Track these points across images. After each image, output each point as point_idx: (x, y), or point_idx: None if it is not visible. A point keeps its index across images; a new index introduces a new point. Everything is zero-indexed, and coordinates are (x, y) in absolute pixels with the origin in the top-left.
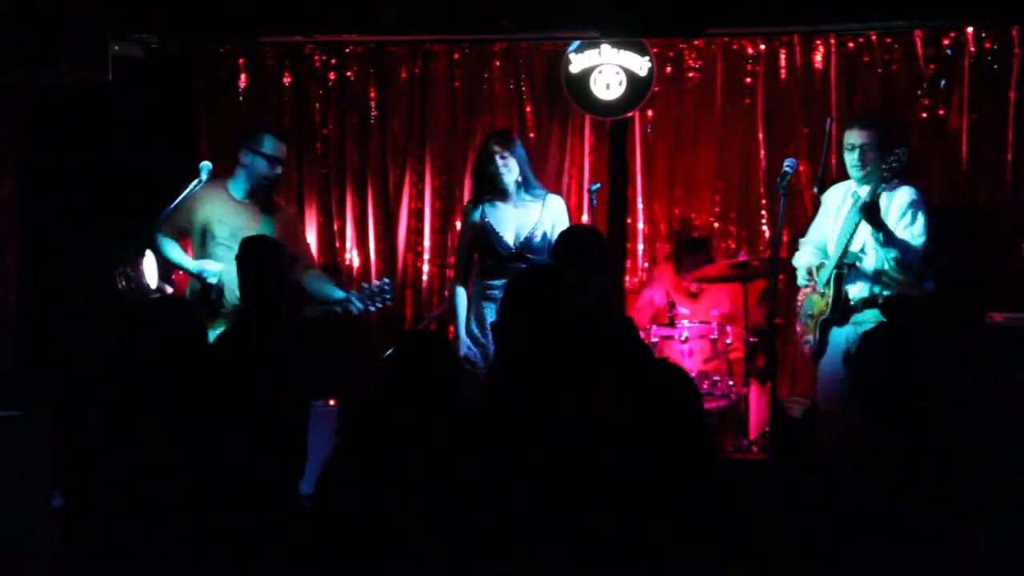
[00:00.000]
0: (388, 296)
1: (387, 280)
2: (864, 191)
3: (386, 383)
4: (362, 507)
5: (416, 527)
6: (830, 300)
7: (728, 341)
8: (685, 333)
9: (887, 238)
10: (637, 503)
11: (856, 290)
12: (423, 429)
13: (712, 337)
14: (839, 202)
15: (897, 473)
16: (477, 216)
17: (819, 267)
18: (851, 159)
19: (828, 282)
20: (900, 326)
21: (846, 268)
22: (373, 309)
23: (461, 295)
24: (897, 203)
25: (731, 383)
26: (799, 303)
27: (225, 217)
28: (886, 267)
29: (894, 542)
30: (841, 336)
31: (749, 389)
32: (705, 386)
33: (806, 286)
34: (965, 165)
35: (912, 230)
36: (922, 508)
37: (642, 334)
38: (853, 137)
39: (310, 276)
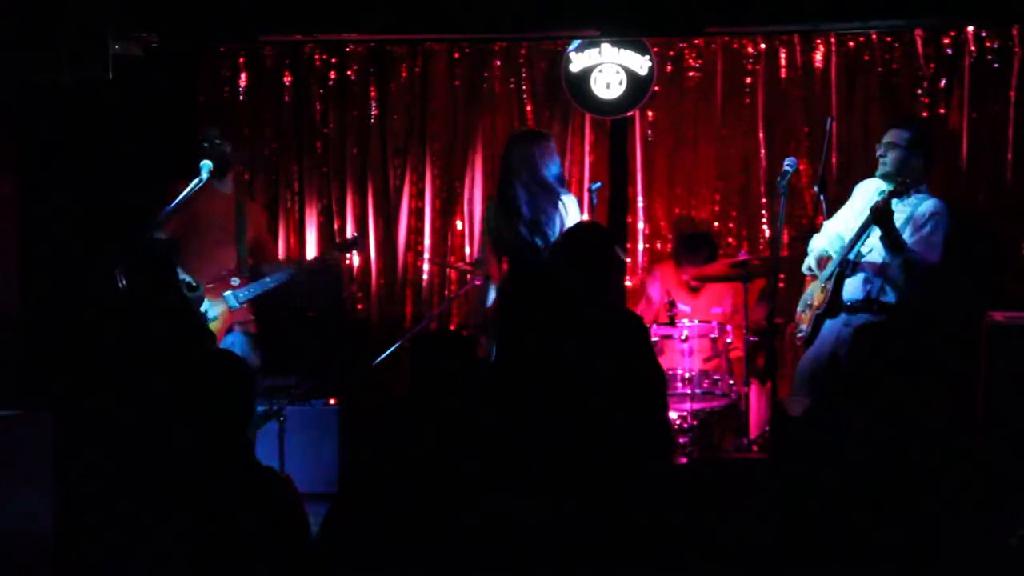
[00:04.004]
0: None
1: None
2: (883, 190)
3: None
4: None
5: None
6: (828, 295)
7: (728, 340)
8: (685, 332)
9: (893, 244)
10: None
11: (854, 290)
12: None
13: (712, 336)
14: (867, 198)
15: (896, 472)
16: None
17: (829, 259)
18: (880, 156)
19: (830, 276)
20: (899, 325)
21: (849, 267)
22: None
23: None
24: (921, 212)
25: (731, 383)
26: (805, 290)
27: (215, 211)
28: (889, 273)
29: (891, 541)
30: (832, 333)
31: (749, 389)
32: (705, 385)
33: (810, 274)
34: (965, 165)
35: (929, 240)
36: (921, 507)
37: None
38: (887, 135)
39: (267, 267)
